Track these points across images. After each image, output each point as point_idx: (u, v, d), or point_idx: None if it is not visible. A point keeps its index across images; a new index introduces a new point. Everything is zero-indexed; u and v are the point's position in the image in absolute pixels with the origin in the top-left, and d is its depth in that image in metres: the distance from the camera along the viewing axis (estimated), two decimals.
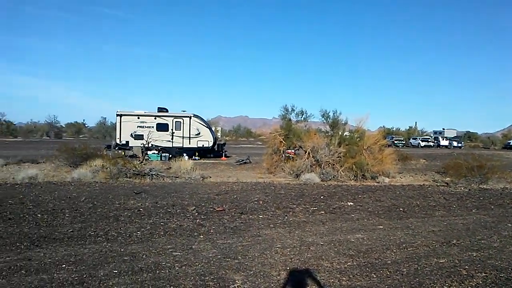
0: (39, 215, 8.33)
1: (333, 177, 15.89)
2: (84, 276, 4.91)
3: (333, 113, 19.14)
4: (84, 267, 5.26)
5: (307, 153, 16.98)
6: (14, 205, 9.31)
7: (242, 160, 23.56)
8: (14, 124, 76.71)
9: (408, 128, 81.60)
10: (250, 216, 8.88)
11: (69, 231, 7.17)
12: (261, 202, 10.54)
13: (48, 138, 64.11)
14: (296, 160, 17.64)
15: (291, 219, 8.70)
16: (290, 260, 5.82)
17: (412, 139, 66.02)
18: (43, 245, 6.26)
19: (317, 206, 10.31)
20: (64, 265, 5.29)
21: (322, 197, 11.74)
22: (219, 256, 5.90)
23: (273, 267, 5.46)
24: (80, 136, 71.39)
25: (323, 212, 9.60)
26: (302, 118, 19.68)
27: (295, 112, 19.82)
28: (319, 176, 15.72)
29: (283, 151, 18.37)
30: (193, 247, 6.38)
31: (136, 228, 7.49)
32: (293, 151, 18.75)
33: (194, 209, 9.42)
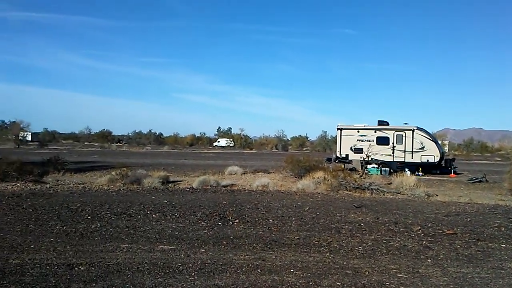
0: (270, 220, 9.24)
1: None
2: (310, 283, 5.10)
3: None
4: (309, 274, 5.48)
5: None
6: (250, 209, 10.62)
7: (476, 178, 20.64)
8: (250, 138, 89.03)
9: None
10: (489, 244, 7.60)
11: (296, 238, 7.66)
12: (503, 229, 8.91)
13: (277, 150, 71.52)
14: None
15: None
16: None
17: None
18: (274, 248, 6.87)
19: None
20: (292, 270, 5.65)
21: None
22: (451, 286, 5.21)
23: None
24: (303, 149, 76.90)
25: None
26: None
27: None
28: None
29: None
30: (419, 271, 5.86)
31: (358, 243, 7.41)
32: None
33: (419, 229, 8.70)
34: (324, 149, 67.41)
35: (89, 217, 8.95)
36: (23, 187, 13.52)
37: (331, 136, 70.34)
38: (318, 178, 16.05)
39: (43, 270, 5.25)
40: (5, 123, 74.84)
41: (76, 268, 5.39)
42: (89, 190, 13.59)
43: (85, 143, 76.67)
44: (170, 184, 15.94)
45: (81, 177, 17.41)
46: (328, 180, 15.44)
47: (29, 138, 66.50)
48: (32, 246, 6.49)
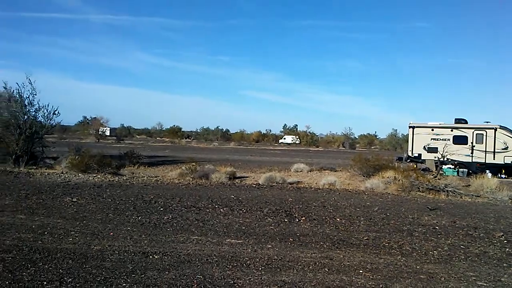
0: (337, 219, 9.05)
1: None
2: (380, 286, 4.90)
3: None
4: (379, 276, 5.28)
5: None
6: (317, 207, 10.49)
7: None
8: (316, 135, 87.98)
9: None
10: None
11: (365, 238, 7.43)
12: None
13: (344, 148, 69.98)
14: None
15: None
16: None
17: None
18: (342, 248, 6.71)
19: None
20: (361, 271, 5.47)
21: None
22: None
23: None
24: (372, 147, 74.45)
25: None
26: None
27: None
28: None
29: None
30: (501, 279, 5.41)
31: (432, 247, 7.01)
32: None
33: (502, 235, 8.03)
34: (394, 148, 64.73)
35: (161, 209, 9.38)
36: (103, 178, 14.53)
37: (402, 134, 67.36)
38: (388, 177, 15.47)
39: (121, 257, 5.59)
40: (87, 119, 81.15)
41: (150, 257, 5.67)
42: (161, 183, 14.26)
43: (157, 138, 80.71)
44: (236, 180, 16.25)
45: (153, 171, 18.35)
46: (399, 180, 14.81)
47: (107, 133, 71.57)
48: (111, 233, 6.94)
